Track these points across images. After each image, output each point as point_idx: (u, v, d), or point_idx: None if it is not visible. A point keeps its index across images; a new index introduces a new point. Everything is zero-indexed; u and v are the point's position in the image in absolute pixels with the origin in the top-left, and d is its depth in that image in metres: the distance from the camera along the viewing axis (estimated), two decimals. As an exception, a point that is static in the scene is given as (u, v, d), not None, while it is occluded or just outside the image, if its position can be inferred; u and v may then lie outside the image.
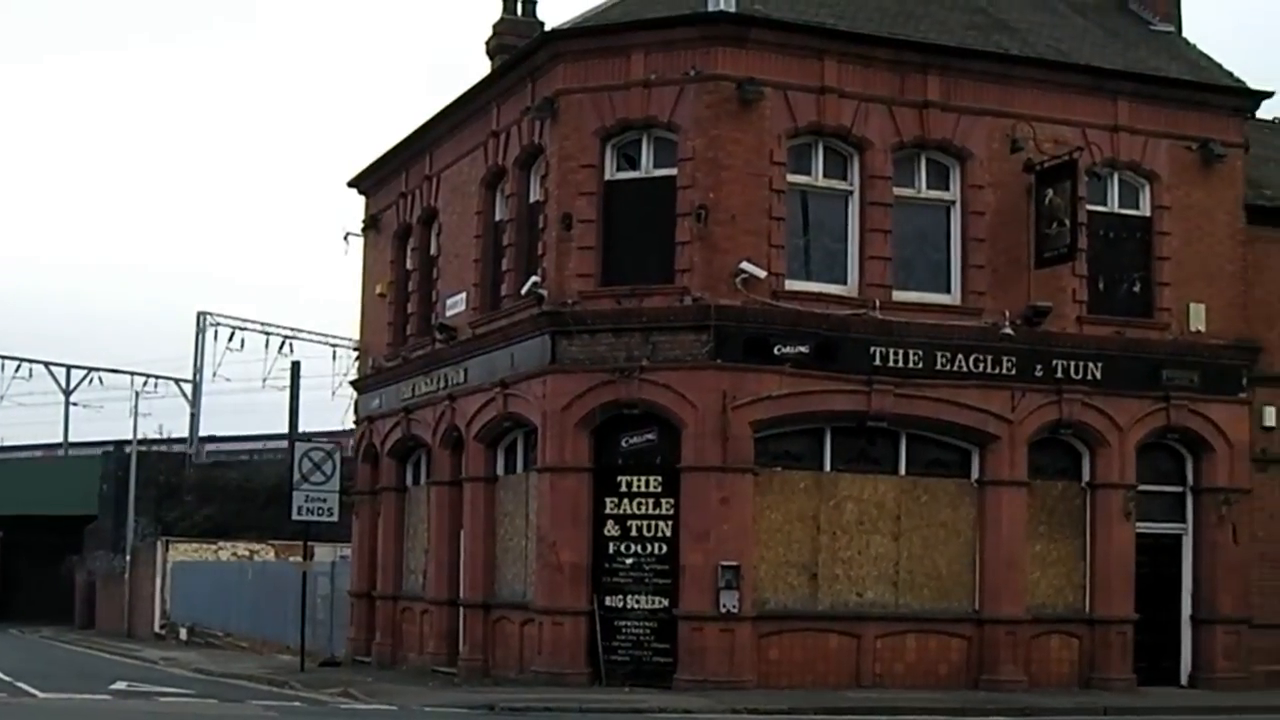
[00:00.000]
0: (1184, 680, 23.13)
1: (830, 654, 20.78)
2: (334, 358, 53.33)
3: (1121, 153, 22.77)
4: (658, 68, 20.97)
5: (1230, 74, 24.26)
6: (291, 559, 36.34)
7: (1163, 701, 21.53)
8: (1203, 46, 25.36)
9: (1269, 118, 27.15)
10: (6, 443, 65.03)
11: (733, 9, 21.12)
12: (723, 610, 20.14)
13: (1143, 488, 22.73)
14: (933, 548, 21.61)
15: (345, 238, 29.26)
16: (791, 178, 21.01)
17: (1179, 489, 23.34)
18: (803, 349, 20.67)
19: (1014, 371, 21.77)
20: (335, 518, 26.23)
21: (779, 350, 20.57)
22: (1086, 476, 22.58)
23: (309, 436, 33.47)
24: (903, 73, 21.64)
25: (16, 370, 57.07)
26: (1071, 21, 24.77)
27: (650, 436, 20.78)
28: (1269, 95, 24.00)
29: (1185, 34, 25.87)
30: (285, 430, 36.37)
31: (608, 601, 20.70)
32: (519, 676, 21.34)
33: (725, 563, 20.17)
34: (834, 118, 21.15)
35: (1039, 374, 21.92)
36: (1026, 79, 22.31)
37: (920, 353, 21.27)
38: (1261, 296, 23.77)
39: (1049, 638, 22.12)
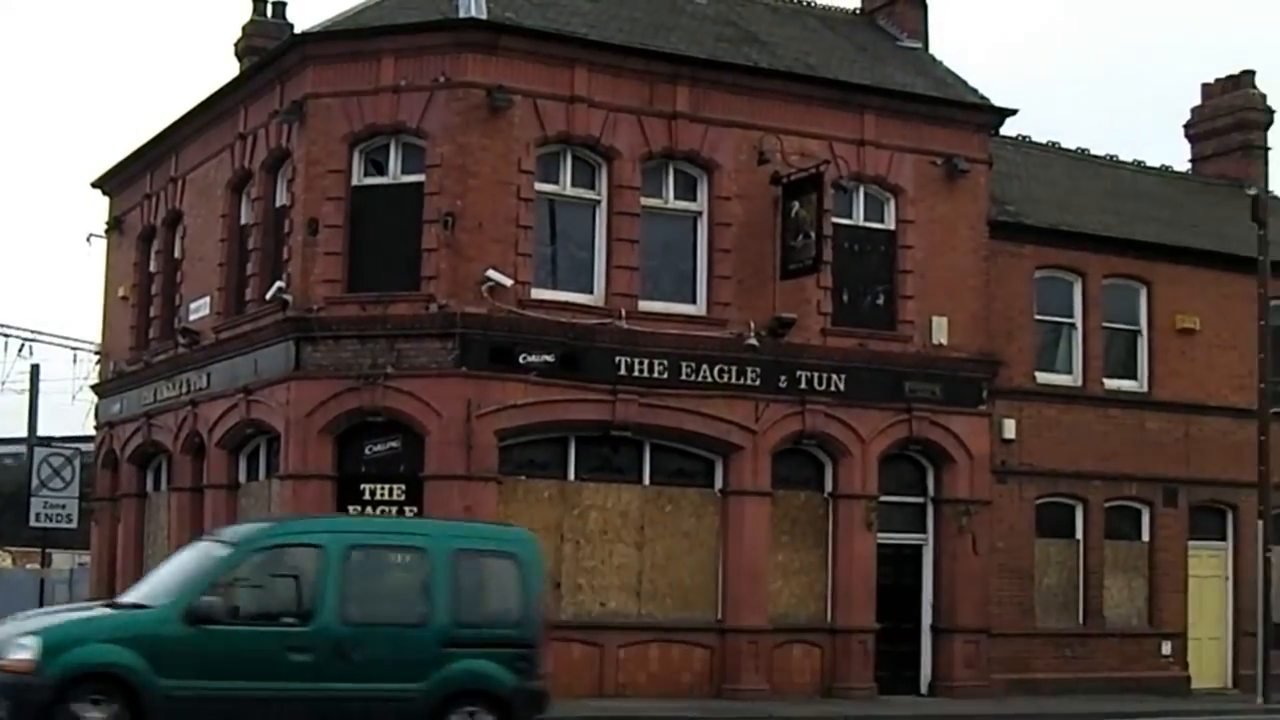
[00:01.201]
0: (924, 689, 25.69)
1: (573, 664, 22.43)
2: (75, 361, 53.25)
3: (867, 166, 25.31)
4: (408, 73, 22.61)
5: (976, 91, 27.11)
6: (28, 566, 36.96)
7: (903, 710, 24.08)
8: (951, 64, 28.28)
9: (1013, 134, 30.36)
10: None
11: (484, 16, 22.82)
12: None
13: (884, 498, 25.25)
14: (676, 557, 23.73)
15: (88, 239, 30.44)
16: (540, 186, 22.84)
17: (920, 500, 25.97)
18: (548, 358, 22.53)
19: (758, 382, 24.01)
20: (74, 524, 27.27)
21: (524, 359, 22.35)
22: (829, 487, 25.01)
23: (49, 441, 34.29)
24: (652, 83, 23.70)
25: None
26: (821, 36, 27.41)
27: (394, 444, 22.36)
28: (1013, 112, 26.90)
29: (933, 51, 28.72)
30: (24, 435, 37.00)
31: (352, 611, 22.33)
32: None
33: (468, 571, 22.02)
34: (583, 127, 23.11)
35: (783, 385, 24.22)
36: (775, 92, 24.61)
37: (665, 363, 23.34)
38: (1002, 310, 26.68)
39: (791, 647, 24.38)
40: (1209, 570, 29.16)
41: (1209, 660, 29.09)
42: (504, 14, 23.24)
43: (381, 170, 23.00)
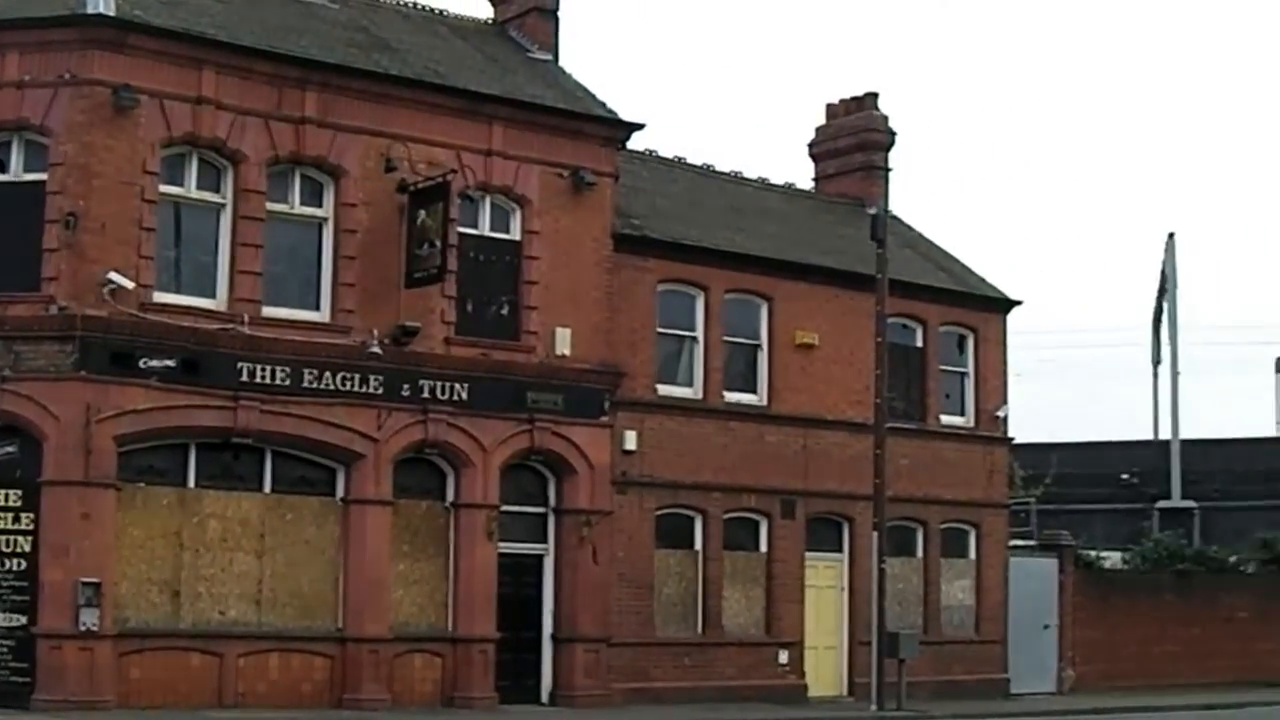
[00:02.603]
0: (546, 698, 29.25)
1: (193, 673, 25.18)
2: None
3: (494, 177, 28.76)
4: (33, 69, 24.73)
5: (604, 104, 30.91)
6: None
7: (523, 719, 27.65)
8: (581, 77, 31.99)
9: (640, 149, 34.37)
10: None
11: (111, 12, 25.11)
12: (82, 628, 24.11)
13: (506, 508, 28.68)
14: (297, 566, 26.63)
15: None
16: (164, 188, 25.36)
17: (542, 510, 29.55)
18: (169, 363, 25.06)
19: (381, 390, 27.14)
20: None
21: (145, 363, 24.81)
22: (451, 496, 28.31)
23: None
24: (281, 87, 26.54)
25: None
26: (452, 45, 30.78)
27: (11, 449, 24.50)
28: (640, 127, 30.75)
29: (564, 64, 32.44)
30: None
31: (-38, 620, 24.14)
32: None
33: (85, 579, 24.20)
34: (210, 129, 25.80)
35: (406, 394, 27.44)
36: (404, 99, 27.75)
37: (288, 369, 26.20)
38: (626, 322, 30.49)
39: (413, 656, 27.55)
40: (825, 581, 33.60)
41: (825, 668, 33.51)
42: (132, 12, 25.55)
43: (3, 168, 25.06)
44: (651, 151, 35.64)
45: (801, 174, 39.85)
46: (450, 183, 27.47)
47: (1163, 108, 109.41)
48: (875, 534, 31.96)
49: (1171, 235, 58.84)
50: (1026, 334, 69.86)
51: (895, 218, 37.88)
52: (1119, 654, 39.33)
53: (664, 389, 31.42)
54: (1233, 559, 44.77)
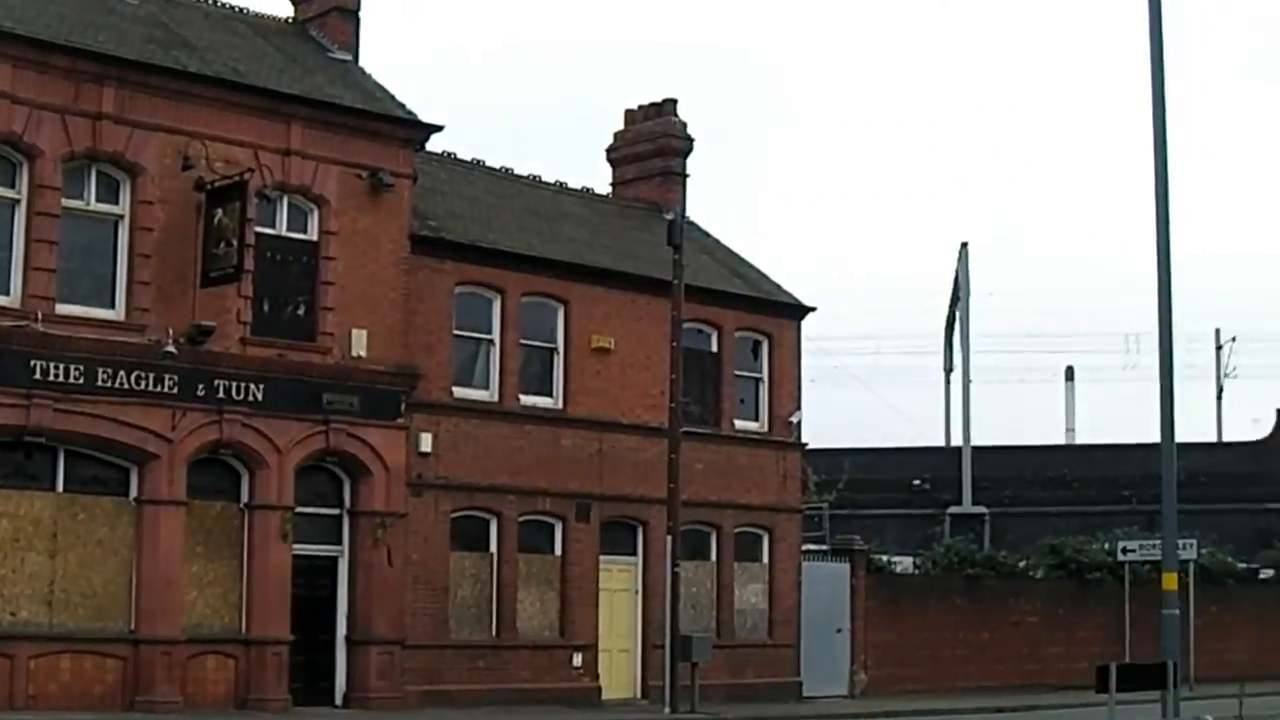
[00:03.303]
0: (339, 701, 30.18)
1: (-19, 675, 25.74)
2: None
3: (292, 176, 29.67)
4: None
5: (403, 105, 31.93)
6: None
7: (315, 721, 28.58)
8: (381, 78, 32.95)
9: (439, 150, 35.41)
10: None
11: (-98, 4, 25.84)
12: None
13: (301, 510, 29.58)
14: (89, 566, 27.30)
15: None
16: (-44, 184, 26.05)
17: (337, 512, 30.51)
18: (-40, 359, 25.66)
19: (176, 390, 27.95)
20: None
21: (-65, 360, 25.44)
22: (246, 497, 29.17)
23: None
24: (78, 82, 27.23)
25: None
26: (252, 43, 31.60)
27: None
28: (439, 128, 31.83)
29: (364, 64, 33.40)
30: None
31: None
32: None
33: None
34: (4, 123, 26.38)
35: (201, 393, 28.26)
36: (202, 97, 28.59)
37: (82, 368, 26.89)
38: (422, 324, 31.54)
39: (206, 658, 28.30)
40: (620, 584, 34.94)
41: (619, 671, 34.85)
42: (-76, 5, 26.20)
43: None
44: (450, 154, 36.73)
45: (600, 179, 41.09)
46: (248, 182, 28.29)
47: (959, 118, 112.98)
48: (669, 538, 33.22)
49: (964, 245, 61.06)
50: (821, 340, 71.89)
51: (692, 224, 39.35)
52: (910, 658, 41.09)
53: (460, 391, 32.49)
54: (1022, 564, 46.81)
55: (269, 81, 30.04)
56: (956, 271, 61.57)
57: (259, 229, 29.19)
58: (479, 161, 37.58)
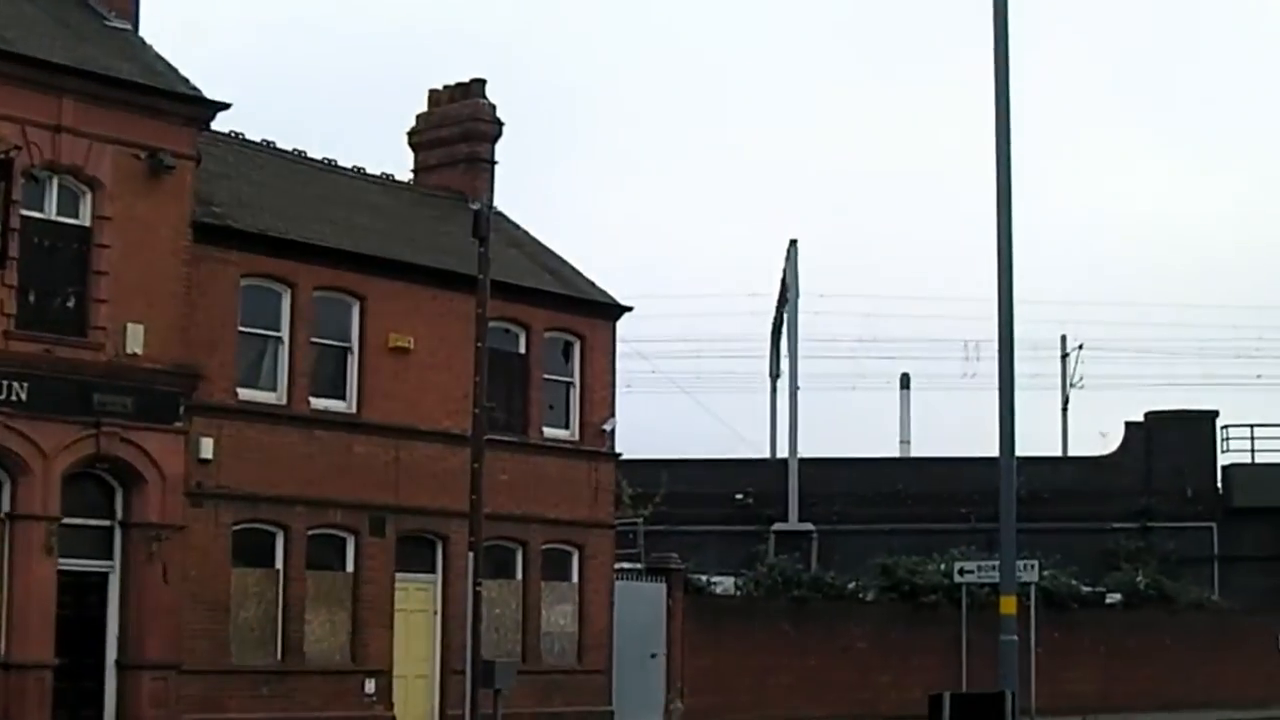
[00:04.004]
0: (108, 730, 30.26)
1: None
2: None
3: (63, 155, 29.54)
4: None
5: (187, 81, 31.87)
6: None
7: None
8: (164, 50, 32.82)
9: (225, 130, 35.43)
10: None
11: None
12: None
13: (68, 521, 29.48)
14: None
15: None
16: None
17: (108, 523, 30.45)
18: None
19: (-67, 388, 27.76)
20: None
21: None
22: (7, 507, 29.01)
23: None
24: None
25: None
26: (21, 8, 31.30)
27: None
28: (226, 106, 31.86)
29: (145, 34, 33.20)
30: None
31: None
32: None
33: None
34: None
35: (-42, 392, 28.07)
36: (-35, 68, 28.45)
37: None
38: (205, 320, 31.60)
39: (-42, 684, 28.16)
40: (417, 605, 35.26)
41: (415, 699, 35.18)
42: None
43: None
44: (238, 134, 36.75)
45: (401, 165, 41.30)
46: (13, 160, 28.20)
47: (792, 110, 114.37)
48: (471, 554, 33.33)
49: (793, 242, 61.97)
50: (638, 343, 72.37)
51: (500, 215, 39.78)
52: (732, 685, 41.75)
53: (245, 393, 32.62)
54: (851, 586, 47.68)
55: (38, 49, 29.81)
56: (785, 271, 62.41)
57: (25, 212, 29.02)
58: (270, 143, 37.65)
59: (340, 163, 39.25)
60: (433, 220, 38.86)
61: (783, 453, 62.81)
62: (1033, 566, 42.78)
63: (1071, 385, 74.70)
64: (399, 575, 34.88)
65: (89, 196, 30.15)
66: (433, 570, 35.63)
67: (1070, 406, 74.85)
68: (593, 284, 39.94)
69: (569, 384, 38.66)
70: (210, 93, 31.80)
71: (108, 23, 32.90)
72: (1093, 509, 62.63)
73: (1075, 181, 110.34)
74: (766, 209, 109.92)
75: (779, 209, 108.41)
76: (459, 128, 41.03)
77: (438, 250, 36.74)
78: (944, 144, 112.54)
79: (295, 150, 38.29)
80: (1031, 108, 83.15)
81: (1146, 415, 65.67)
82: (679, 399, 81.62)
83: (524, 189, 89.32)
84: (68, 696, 29.50)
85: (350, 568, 34.25)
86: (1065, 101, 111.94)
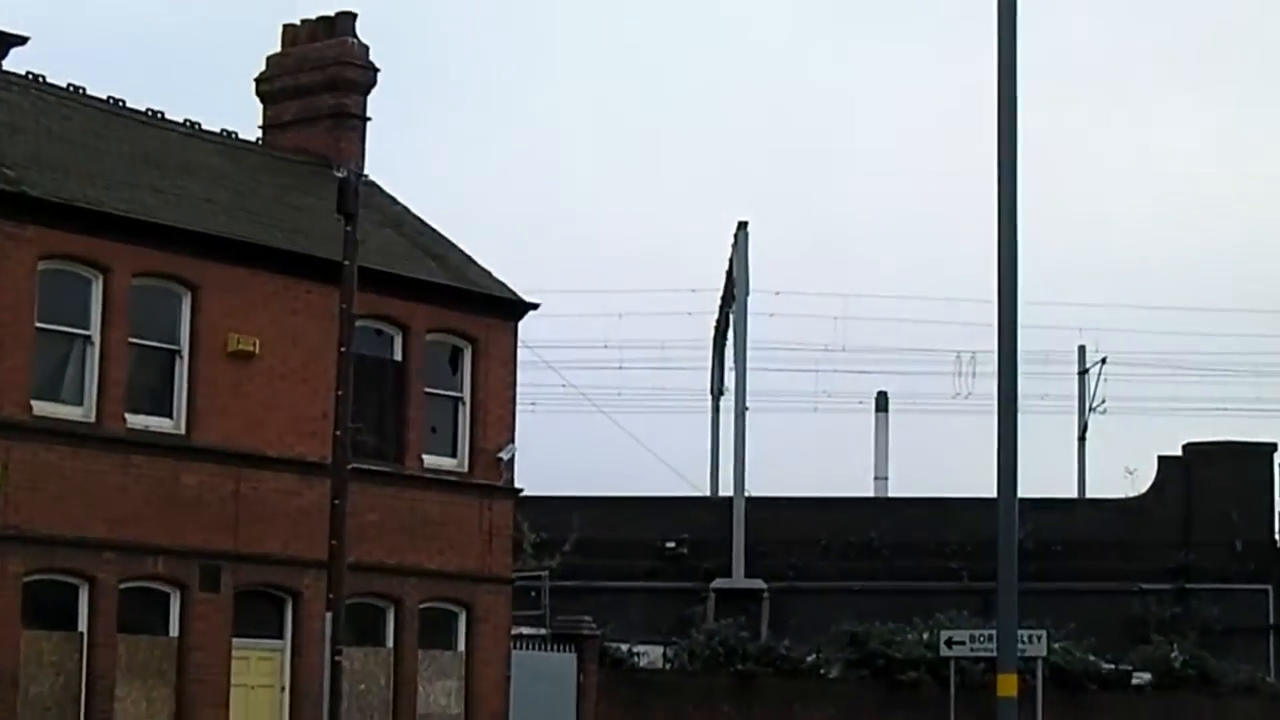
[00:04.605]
0: None
1: None
2: None
3: None
4: None
5: (-27, 10, 31.71)
6: None
7: None
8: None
9: (22, 71, 35.17)
10: None
11: None
12: None
13: None
14: None
15: None
16: None
17: None
18: None
19: None
20: None
21: None
22: None
23: None
24: None
25: None
26: None
27: None
28: (22, 41, 31.91)
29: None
30: None
31: None
32: None
33: None
34: None
35: None
36: None
37: None
38: (-12, 311, 31.40)
39: None
40: (260, 677, 35.12)
41: (255, 798, 34.92)
42: None
43: None
44: (37, 76, 36.44)
45: (248, 120, 40.99)
46: None
47: (743, 68, 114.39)
48: (329, 615, 33.11)
49: (743, 226, 61.76)
50: (546, 349, 72.04)
51: (373, 185, 39.74)
52: (658, 781, 41.83)
53: (42, 407, 32.36)
54: (811, 658, 47.81)
55: None
56: (731, 262, 62.37)
57: None
58: (79, 89, 37.34)
59: (169, 115, 38.98)
60: (286, 190, 38.66)
61: (726, 490, 62.83)
62: (1040, 637, 42.93)
63: (1091, 409, 74.84)
64: (237, 641, 34.63)
65: None
66: (280, 635, 35.41)
67: (1089, 435, 75.01)
68: (489, 274, 39.76)
69: (457, 400, 38.51)
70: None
71: None
72: (1116, 565, 62.88)
73: (1095, 152, 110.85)
74: (711, 184, 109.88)
75: (726, 185, 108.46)
76: (321, 74, 40.77)
77: (292, 229, 36.55)
78: (934, 109, 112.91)
79: (111, 99, 37.94)
80: (1040, 62, 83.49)
81: (1185, 448, 65.90)
82: (596, 421, 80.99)
83: (404, 155, 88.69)
84: None
85: (174, 631, 33.97)
86: (1080, 53, 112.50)
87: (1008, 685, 30.41)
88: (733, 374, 61.95)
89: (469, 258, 40.23)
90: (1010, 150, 30.49)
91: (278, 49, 41.58)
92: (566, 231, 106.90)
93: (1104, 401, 74.56)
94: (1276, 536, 64.94)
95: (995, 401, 30.71)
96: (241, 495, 34.62)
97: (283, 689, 35.44)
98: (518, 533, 40.15)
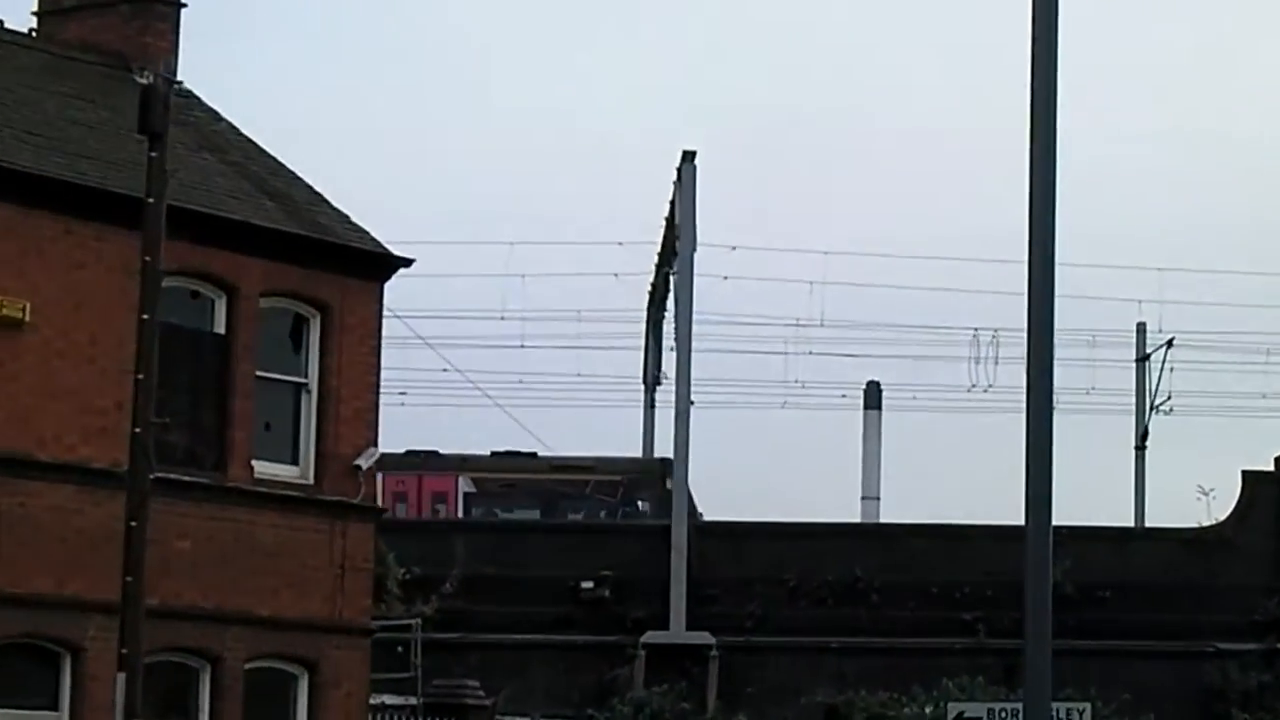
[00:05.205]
0: None
1: None
2: None
3: None
4: None
5: None
6: None
7: None
8: None
9: None
10: None
11: None
12: None
13: None
14: None
15: None
16: None
17: None
18: None
19: None
20: None
21: None
22: None
23: None
24: None
25: None
26: None
27: None
28: None
29: None
30: None
31: None
32: None
33: None
34: None
35: None
36: None
37: None
38: None
39: None
40: (26, 762, 34.72)
41: None
42: None
43: None
44: None
45: (18, 6, 40.66)
46: None
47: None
48: (122, 676, 32.89)
49: (689, 157, 61.55)
50: (420, 321, 71.50)
51: (189, 95, 39.52)
52: None
53: None
54: (775, 738, 47.95)
55: None
56: (673, 205, 62.29)
57: None
58: None
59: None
60: (70, 100, 38.43)
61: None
62: (1083, 712, 42.80)
63: (1154, 408, 74.71)
64: (-5, 711, 34.38)
65: None
66: (54, 705, 35.29)
67: (1150, 443, 74.95)
68: (347, 219, 39.67)
69: (300, 387, 38.33)
70: None
71: None
72: (1186, 616, 62.74)
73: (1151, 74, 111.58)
74: (646, 98, 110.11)
75: (666, 98, 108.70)
76: (119, -56, 40.63)
77: (76, 153, 36.35)
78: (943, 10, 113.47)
79: None
80: None
81: (1278, 461, 65.82)
82: (490, 415, 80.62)
83: (232, 56, 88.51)
84: None
85: (-94, 698, 33.77)
86: None
87: (1038, 779, 30.26)
88: (673, 356, 61.79)
89: (319, 196, 40.02)
90: (1048, 65, 30.18)
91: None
92: (448, 164, 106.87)
93: (1169, 398, 74.40)
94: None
95: (1025, 396, 30.42)
96: (3, 515, 34.25)
97: (58, 778, 35.21)
98: (381, 567, 39.83)
